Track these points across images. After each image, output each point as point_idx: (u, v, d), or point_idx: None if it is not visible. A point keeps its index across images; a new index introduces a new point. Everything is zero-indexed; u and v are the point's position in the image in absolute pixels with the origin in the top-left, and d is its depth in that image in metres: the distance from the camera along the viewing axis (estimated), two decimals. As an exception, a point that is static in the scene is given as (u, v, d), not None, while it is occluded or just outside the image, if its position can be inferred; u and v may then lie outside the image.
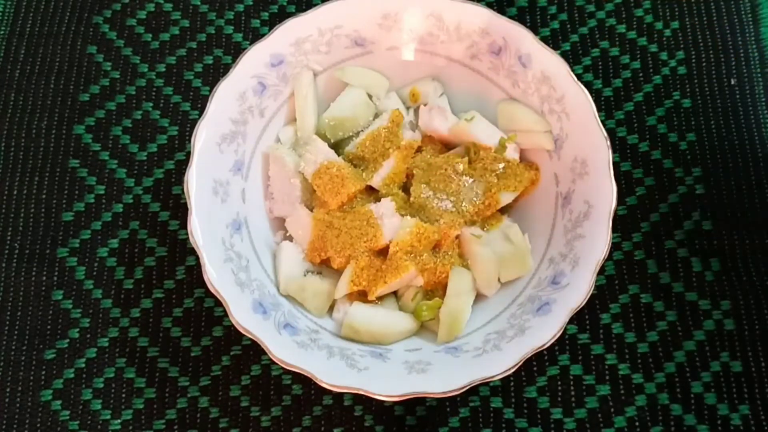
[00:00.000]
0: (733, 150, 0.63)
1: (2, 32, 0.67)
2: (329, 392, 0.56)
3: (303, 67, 0.59)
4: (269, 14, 0.69)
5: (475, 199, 0.56)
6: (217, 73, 0.67)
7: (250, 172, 0.58)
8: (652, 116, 0.65)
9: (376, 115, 0.60)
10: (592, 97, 0.54)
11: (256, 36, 0.68)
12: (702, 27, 0.67)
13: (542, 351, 0.49)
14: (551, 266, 0.54)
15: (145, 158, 0.64)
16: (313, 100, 0.59)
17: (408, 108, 0.62)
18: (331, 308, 0.56)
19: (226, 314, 0.50)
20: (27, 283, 0.60)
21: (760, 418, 0.56)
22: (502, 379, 0.55)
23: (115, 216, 0.62)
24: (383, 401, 0.55)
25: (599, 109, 0.63)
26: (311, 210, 0.57)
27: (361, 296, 0.55)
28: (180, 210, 0.62)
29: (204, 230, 0.51)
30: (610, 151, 0.52)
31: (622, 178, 0.63)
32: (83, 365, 0.58)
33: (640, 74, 0.66)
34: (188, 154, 0.57)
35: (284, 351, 0.49)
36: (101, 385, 0.58)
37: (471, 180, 0.56)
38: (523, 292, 0.54)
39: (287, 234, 0.58)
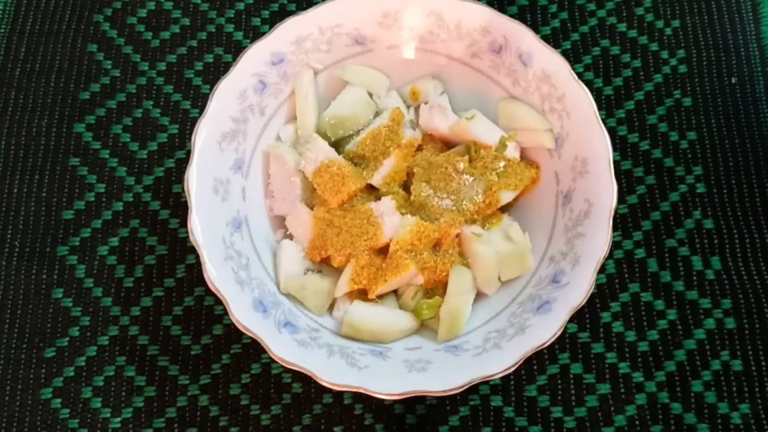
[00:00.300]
0: (734, 149, 0.63)
1: (3, 30, 0.67)
2: (329, 391, 0.56)
3: (303, 66, 0.59)
4: (270, 12, 0.69)
5: (475, 197, 0.56)
6: (217, 71, 0.66)
7: (251, 170, 0.58)
8: (653, 115, 0.65)
9: (377, 114, 0.60)
10: (593, 95, 0.54)
11: (256, 34, 0.68)
12: (703, 26, 0.67)
13: (542, 350, 0.49)
14: (552, 265, 0.54)
15: (145, 156, 0.64)
16: (313, 99, 0.59)
17: (408, 106, 0.61)
18: (332, 307, 0.56)
19: (226, 313, 0.50)
20: (27, 281, 0.60)
21: (761, 416, 0.56)
22: (502, 378, 0.55)
23: (116, 214, 0.62)
24: (383, 400, 0.55)
25: (600, 108, 0.63)
26: (311, 208, 0.57)
27: (362, 295, 0.55)
28: (180, 208, 0.62)
29: (204, 228, 0.51)
30: (611, 150, 0.52)
31: (622, 176, 0.63)
32: (83, 363, 0.58)
33: (641, 73, 0.66)
34: (188, 153, 0.57)
35: (284, 349, 0.49)
36: (101, 384, 0.58)
37: (471, 178, 0.56)
38: (524, 290, 0.54)
39: (287, 232, 0.58)
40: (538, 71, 0.56)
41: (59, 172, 0.63)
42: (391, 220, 0.55)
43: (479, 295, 0.56)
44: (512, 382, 0.57)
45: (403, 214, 0.55)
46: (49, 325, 0.59)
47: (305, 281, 0.55)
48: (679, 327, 0.59)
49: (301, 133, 0.59)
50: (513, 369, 0.48)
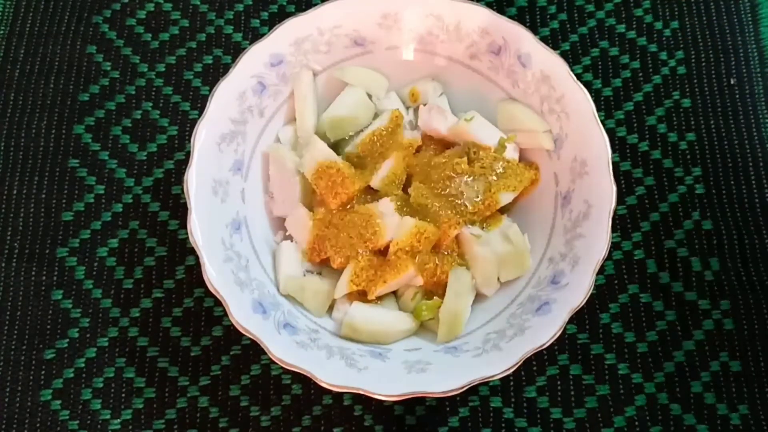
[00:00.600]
0: (733, 150, 0.64)
1: (2, 32, 0.67)
2: (329, 392, 0.56)
3: (303, 67, 0.59)
4: (269, 14, 0.69)
5: (474, 198, 0.56)
6: (216, 72, 0.66)
7: (250, 171, 0.58)
8: (652, 116, 0.65)
9: (376, 115, 0.60)
10: (592, 96, 0.54)
11: (255, 36, 0.68)
12: (702, 27, 0.67)
13: (542, 351, 0.49)
14: (551, 266, 0.54)
15: (144, 158, 0.64)
16: (312, 100, 0.59)
17: (408, 108, 0.62)
18: (331, 308, 0.56)
19: (225, 314, 0.50)
20: (27, 282, 0.60)
21: (760, 417, 0.56)
22: (501, 379, 0.55)
23: (115, 216, 0.62)
24: (383, 401, 0.55)
25: (599, 109, 0.63)
26: (311, 210, 0.57)
27: (361, 296, 0.55)
28: (180, 210, 0.62)
29: (204, 230, 0.51)
30: (610, 151, 0.52)
31: (621, 177, 0.63)
32: (83, 365, 0.58)
33: (640, 74, 0.66)
34: (188, 154, 0.57)
35: (284, 351, 0.49)
36: (101, 385, 0.58)
37: (471, 180, 0.56)
38: (523, 291, 0.54)
39: (287, 234, 0.58)
40: (537, 72, 0.56)
41: (58, 173, 0.63)
42: (390, 221, 0.55)
43: (478, 296, 0.56)
44: (512, 383, 0.58)
45: (402, 215, 0.55)
46: (48, 327, 0.59)
47: (305, 282, 0.55)
48: (678, 328, 0.59)
49: (301, 135, 0.59)
50: (512, 370, 0.48)
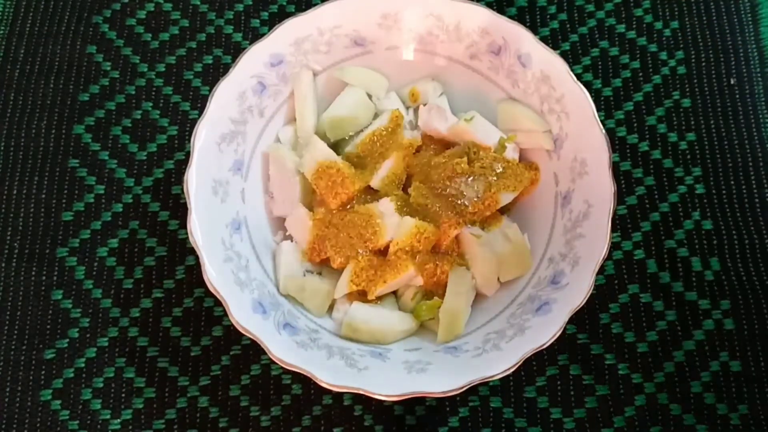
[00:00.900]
0: (733, 150, 0.63)
1: (2, 32, 0.67)
2: (329, 392, 0.56)
3: (303, 67, 0.59)
4: (269, 14, 0.69)
5: (474, 199, 0.56)
6: (216, 72, 0.66)
7: (250, 171, 0.58)
8: (652, 116, 0.65)
9: (376, 115, 0.60)
10: (592, 96, 0.54)
11: (255, 36, 0.68)
12: (702, 27, 0.67)
13: (542, 351, 0.49)
14: (551, 266, 0.54)
15: (144, 158, 0.64)
16: (312, 100, 0.59)
17: (408, 108, 0.62)
18: (331, 308, 0.56)
19: (225, 314, 0.50)
20: (27, 282, 0.60)
21: (760, 417, 0.56)
22: (501, 379, 0.55)
23: (115, 216, 0.62)
24: (383, 401, 0.55)
25: (599, 109, 0.63)
26: (311, 210, 0.57)
27: (361, 296, 0.55)
28: (180, 210, 0.62)
29: (203, 230, 0.51)
30: (610, 151, 0.52)
31: (621, 177, 0.63)
32: (83, 365, 0.58)
33: (640, 74, 0.66)
34: (188, 154, 0.57)
35: (284, 351, 0.49)
36: (101, 385, 0.58)
37: (471, 180, 0.56)
38: (523, 291, 0.54)
39: (287, 234, 0.58)
40: (537, 72, 0.56)
41: (58, 173, 0.63)
42: (390, 221, 0.55)
43: (478, 296, 0.56)
44: (512, 383, 0.58)
45: (402, 215, 0.55)
46: (48, 327, 0.59)
47: (305, 282, 0.55)
48: (678, 328, 0.59)
49: (301, 135, 0.59)
50: (512, 370, 0.48)
